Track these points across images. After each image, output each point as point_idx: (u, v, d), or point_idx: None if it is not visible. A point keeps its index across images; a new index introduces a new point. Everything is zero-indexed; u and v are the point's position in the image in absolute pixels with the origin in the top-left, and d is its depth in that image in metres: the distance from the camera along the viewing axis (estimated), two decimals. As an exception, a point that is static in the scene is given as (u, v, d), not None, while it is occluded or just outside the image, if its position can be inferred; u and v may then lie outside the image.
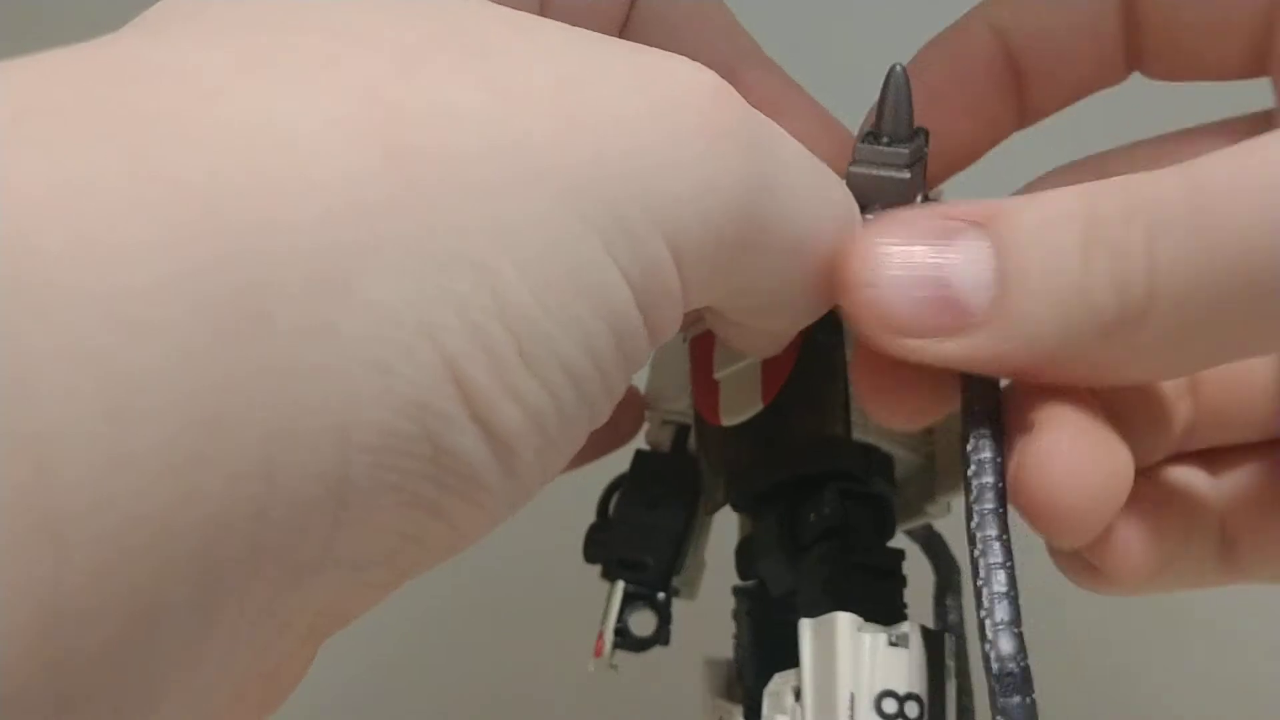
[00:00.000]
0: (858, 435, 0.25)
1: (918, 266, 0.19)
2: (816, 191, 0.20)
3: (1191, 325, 0.18)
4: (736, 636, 0.28)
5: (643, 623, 0.28)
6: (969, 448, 0.20)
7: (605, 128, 0.17)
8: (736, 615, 0.28)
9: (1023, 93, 0.25)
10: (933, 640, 0.22)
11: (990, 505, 0.19)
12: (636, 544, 0.28)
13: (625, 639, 0.28)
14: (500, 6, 0.18)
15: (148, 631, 0.14)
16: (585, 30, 0.18)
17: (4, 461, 0.12)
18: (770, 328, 0.23)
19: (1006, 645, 0.19)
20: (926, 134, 0.22)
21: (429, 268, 0.15)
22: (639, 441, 0.31)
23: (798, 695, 0.22)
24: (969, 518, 0.20)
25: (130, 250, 0.13)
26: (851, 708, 0.21)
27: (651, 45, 0.19)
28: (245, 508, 0.14)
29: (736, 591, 0.28)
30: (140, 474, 0.13)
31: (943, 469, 0.27)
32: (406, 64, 0.16)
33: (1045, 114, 0.25)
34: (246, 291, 0.14)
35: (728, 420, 0.26)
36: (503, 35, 0.17)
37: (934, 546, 0.29)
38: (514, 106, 0.16)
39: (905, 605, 0.24)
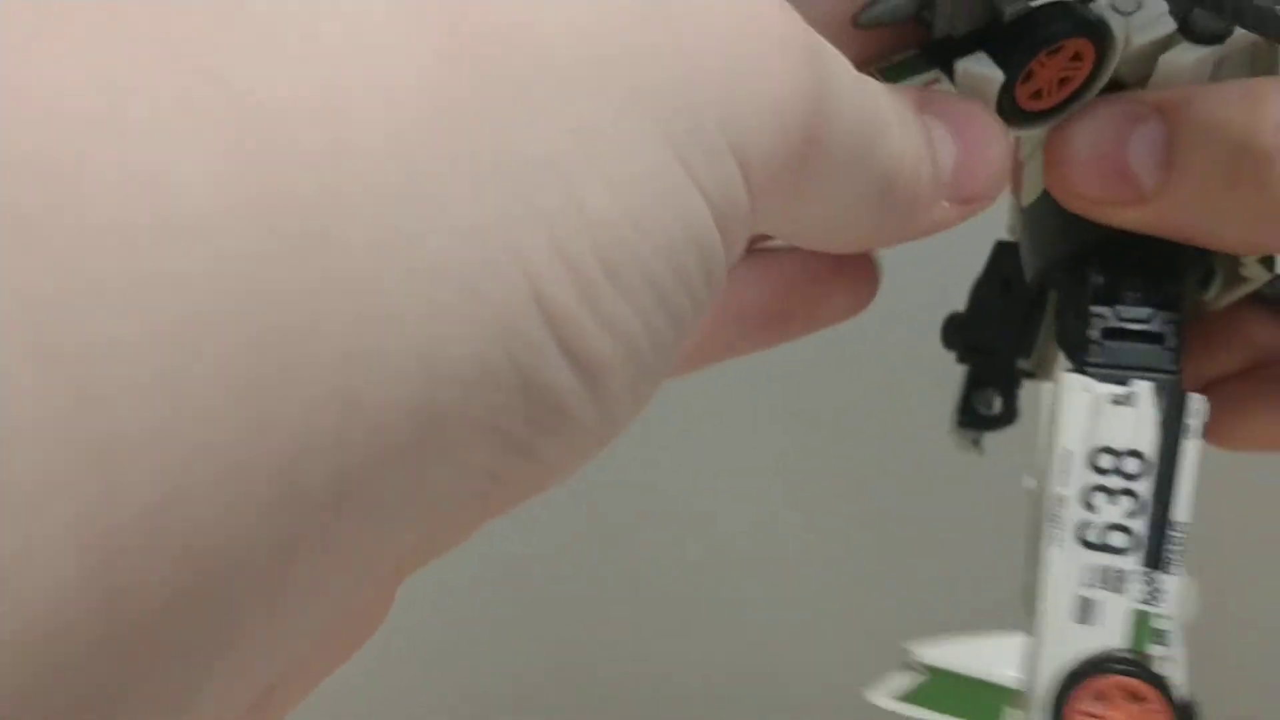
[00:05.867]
0: None
1: (1103, 151, 0.23)
2: (871, 118, 0.19)
3: None
4: None
5: (987, 401, 0.30)
6: None
7: (691, 34, 0.16)
8: None
9: None
10: (1171, 399, 0.23)
11: None
12: (984, 329, 0.30)
13: (973, 418, 0.30)
14: None
15: (217, 573, 0.13)
16: None
17: (39, 378, 0.11)
18: (829, 248, 0.24)
19: None
20: None
21: (511, 180, 0.14)
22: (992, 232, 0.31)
23: None
24: None
25: (184, 181, 0.12)
26: (1068, 464, 0.22)
27: None
28: (323, 439, 0.13)
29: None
30: (200, 397, 0.12)
31: None
32: None
33: None
34: (310, 206, 0.13)
35: (1025, 201, 0.27)
36: None
37: None
38: None
39: (1177, 370, 0.24)
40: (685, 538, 0.58)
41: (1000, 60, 0.22)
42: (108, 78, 0.12)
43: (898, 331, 0.43)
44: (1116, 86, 0.24)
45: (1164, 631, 0.22)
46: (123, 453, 0.12)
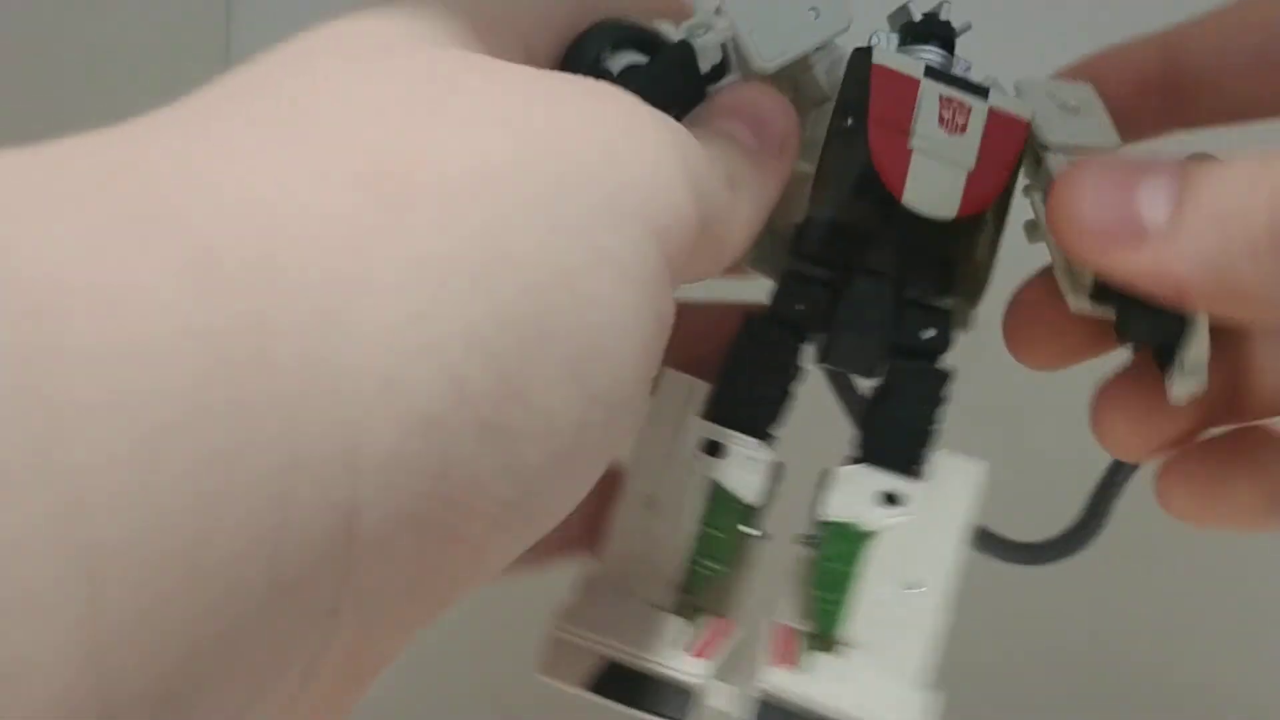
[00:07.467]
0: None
1: (1111, 189, 0.23)
2: (720, 187, 0.22)
3: None
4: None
5: None
6: None
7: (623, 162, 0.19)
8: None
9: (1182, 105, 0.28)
10: None
11: None
12: None
13: None
14: (476, 58, 0.19)
15: (186, 677, 0.13)
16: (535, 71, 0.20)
17: (38, 493, 0.12)
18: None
19: None
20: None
21: (422, 278, 0.16)
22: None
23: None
24: None
25: (146, 305, 0.14)
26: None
27: None
28: (261, 545, 0.14)
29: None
30: (166, 507, 0.13)
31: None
32: (400, 122, 0.17)
33: (1208, 124, 0.28)
34: (248, 329, 0.14)
35: (910, 202, 0.26)
36: (475, 83, 0.18)
37: None
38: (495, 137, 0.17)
39: None
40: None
41: None
42: (92, 238, 0.14)
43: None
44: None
45: None
46: (106, 561, 0.12)
